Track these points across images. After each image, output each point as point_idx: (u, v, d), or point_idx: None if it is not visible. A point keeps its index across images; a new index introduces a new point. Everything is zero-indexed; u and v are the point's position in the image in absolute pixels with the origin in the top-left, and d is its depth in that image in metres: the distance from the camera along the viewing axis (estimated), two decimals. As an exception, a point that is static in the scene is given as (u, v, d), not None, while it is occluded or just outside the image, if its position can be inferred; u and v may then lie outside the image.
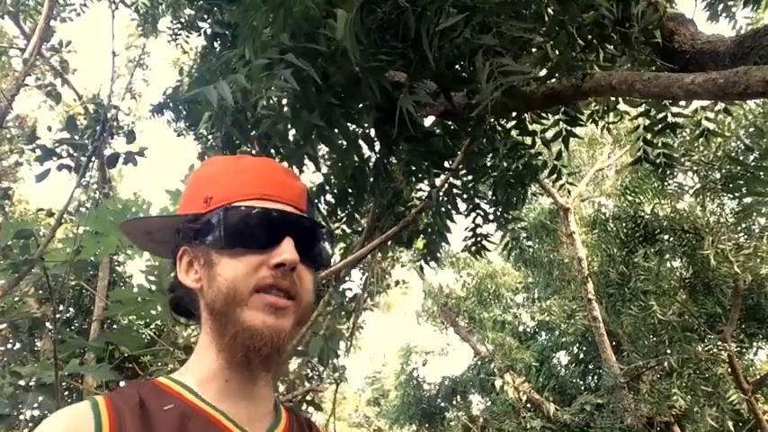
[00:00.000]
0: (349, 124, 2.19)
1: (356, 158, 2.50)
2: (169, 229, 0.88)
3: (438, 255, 3.35)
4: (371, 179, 2.60)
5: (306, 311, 0.83)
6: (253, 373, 0.80)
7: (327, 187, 2.90)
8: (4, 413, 2.68)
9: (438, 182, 3.08)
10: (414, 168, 2.74)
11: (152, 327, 6.10)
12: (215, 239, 0.81)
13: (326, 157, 3.23)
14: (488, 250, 3.37)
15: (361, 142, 2.42)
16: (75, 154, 3.93)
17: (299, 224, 0.83)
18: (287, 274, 0.79)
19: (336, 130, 2.13)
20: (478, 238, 3.26)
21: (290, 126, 2.24)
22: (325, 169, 2.87)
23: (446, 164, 2.82)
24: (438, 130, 2.80)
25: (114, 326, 6.78)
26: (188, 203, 0.87)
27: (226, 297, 0.79)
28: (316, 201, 0.92)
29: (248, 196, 0.83)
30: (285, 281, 0.79)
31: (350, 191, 2.82)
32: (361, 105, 2.20)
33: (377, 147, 2.48)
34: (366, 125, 2.42)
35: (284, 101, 2.25)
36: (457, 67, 2.35)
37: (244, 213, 0.81)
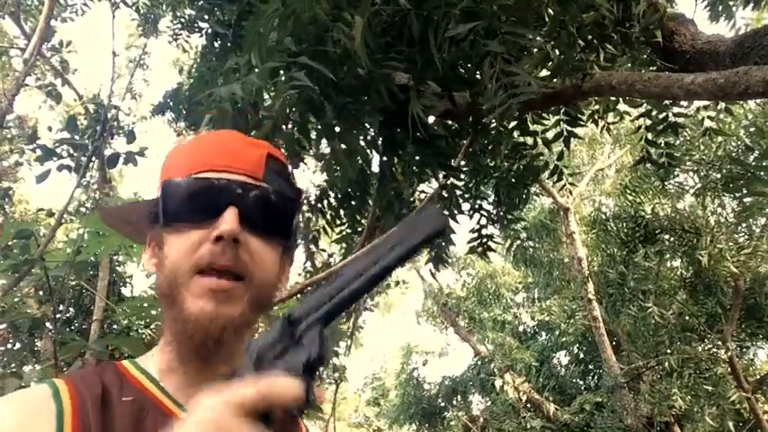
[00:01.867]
0: (353, 130, 2.20)
1: (360, 161, 2.51)
2: (143, 215, 0.81)
3: (445, 257, 3.35)
4: (375, 182, 2.60)
5: (263, 291, 0.74)
6: (208, 367, 0.73)
7: (330, 192, 2.90)
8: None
9: (441, 183, 3.09)
10: (416, 170, 2.75)
11: (152, 327, 6.10)
12: (161, 218, 0.74)
13: (329, 158, 3.23)
14: (494, 251, 3.37)
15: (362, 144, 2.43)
16: (75, 154, 3.92)
17: (245, 192, 0.72)
18: (228, 248, 0.69)
19: (349, 130, 2.14)
20: (483, 239, 3.26)
21: (292, 127, 2.24)
22: (326, 174, 2.88)
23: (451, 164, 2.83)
24: (441, 130, 2.80)
25: (114, 326, 6.78)
26: (160, 183, 0.81)
27: (168, 280, 0.72)
28: (289, 168, 0.79)
29: (196, 169, 0.74)
30: (226, 256, 0.69)
31: (353, 194, 2.82)
32: (368, 109, 2.21)
33: (381, 150, 2.49)
34: (371, 129, 2.42)
35: (287, 101, 2.25)
36: (461, 68, 2.35)
37: (182, 185, 0.73)
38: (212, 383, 0.70)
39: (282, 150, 2.44)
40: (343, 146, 2.18)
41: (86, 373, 0.74)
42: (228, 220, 0.69)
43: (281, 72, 1.93)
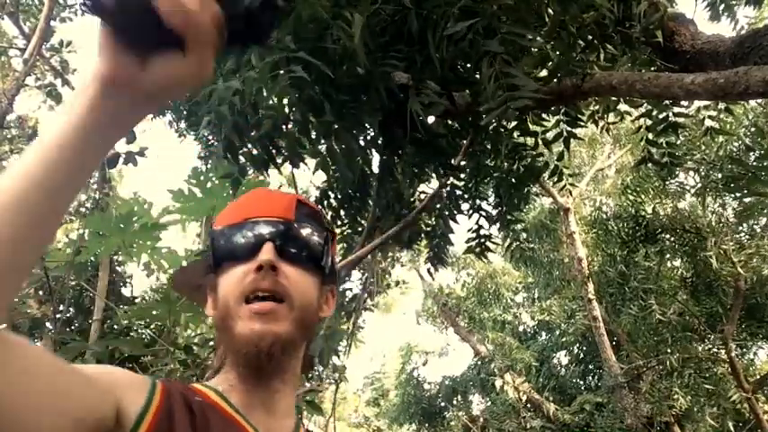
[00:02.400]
0: (354, 131, 2.20)
1: (360, 162, 2.50)
2: (202, 274, 0.94)
3: (444, 257, 3.35)
4: (375, 182, 2.60)
5: (305, 312, 0.84)
6: (263, 383, 0.83)
7: (330, 193, 2.90)
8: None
9: (442, 183, 3.08)
10: (416, 170, 2.75)
11: (152, 327, 6.10)
12: (212, 265, 0.88)
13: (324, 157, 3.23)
14: (492, 251, 3.37)
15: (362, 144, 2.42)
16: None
17: (278, 229, 0.85)
18: (267, 275, 0.81)
19: (348, 130, 2.13)
20: (482, 239, 3.26)
21: (293, 126, 2.24)
22: (326, 175, 2.88)
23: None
24: (441, 130, 2.80)
25: (114, 326, 6.77)
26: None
27: (222, 313, 0.84)
28: (317, 205, 0.92)
29: (234, 221, 0.88)
30: (266, 281, 0.81)
31: (354, 194, 2.82)
32: (367, 108, 2.20)
33: (381, 150, 2.48)
34: (371, 129, 2.42)
35: (286, 101, 2.24)
36: (460, 68, 2.35)
37: (224, 232, 0.87)
38: (272, 406, 0.84)
39: (283, 152, 2.44)
40: (342, 145, 2.18)
41: (167, 380, 0.84)
42: (266, 251, 0.82)
43: (281, 70, 1.92)
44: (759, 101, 5.63)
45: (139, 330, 6.47)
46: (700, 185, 6.98)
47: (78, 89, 0.58)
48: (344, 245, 3.60)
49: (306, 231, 0.88)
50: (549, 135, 3.02)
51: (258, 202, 0.91)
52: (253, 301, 0.81)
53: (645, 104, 3.01)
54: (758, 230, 7.37)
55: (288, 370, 0.85)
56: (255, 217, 0.87)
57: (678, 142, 6.01)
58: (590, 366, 10.99)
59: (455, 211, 3.24)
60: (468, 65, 2.32)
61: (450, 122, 2.88)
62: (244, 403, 0.83)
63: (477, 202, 3.27)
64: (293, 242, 0.86)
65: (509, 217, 3.30)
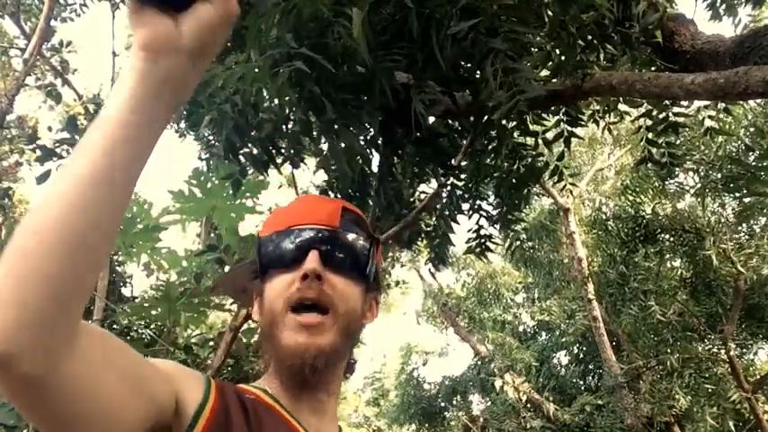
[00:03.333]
0: (352, 129, 2.19)
1: (360, 161, 2.50)
2: (249, 278, 0.96)
3: (444, 257, 3.35)
4: (375, 182, 2.60)
5: (349, 320, 0.85)
6: (307, 392, 0.84)
7: (330, 193, 2.90)
8: (9, 424, 2.68)
9: (442, 183, 3.08)
10: (416, 170, 2.75)
11: (152, 327, 6.10)
12: (259, 272, 0.90)
13: (325, 156, 3.23)
14: (492, 251, 3.37)
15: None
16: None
17: (323, 237, 0.86)
18: (313, 284, 0.82)
19: (349, 129, 2.13)
20: (482, 240, 3.26)
21: (293, 126, 2.24)
22: (323, 176, 2.88)
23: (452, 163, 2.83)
24: (442, 129, 2.80)
25: (114, 326, 6.77)
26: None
27: (268, 319, 0.85)
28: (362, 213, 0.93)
29: (281, 228, 0.90)
30: (311, 290, 0.82)
31: (354, 194, 2.82)
32: (368, 107, 2.21)
33: (381, 150, 2.48)
34: (371, 129, 2.42)
35: (286, 101, 2.24)
36: (461, 67, 2.35)
37: (271, 239, 0.89)
38: (320, 409, 0.85)
39: (284, 152, 2.44)
40: (342, 144, 2.18)
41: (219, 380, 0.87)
42: (311, 260, 0.83)
43: (281, 68, 1.92)
44: (759, 101, 5.63)
45: (139, 330, 6.46)
46: (699, 186, 6.98)
47: (124, 70, 0.60)
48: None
49: (351, 238, 0.89)
50: (550, 135, 3.02)
51: (304, 209, 0.92)
52: (299, 311, 0.82)
53: (645, 104, 3.01)
54: (758, 230, 7.37)
55: (332, 381, 0.87)
56: (301, 224, 0.88)
57: (678, 142, 6.01)
58: (590, 366, 10.99)
59: (455, 211, 3.23)
60: (470, 64, 2.32)
61: (450, 122, 2.88)
62: (293, 406, 0.84)
63: (478, 202, 3.27)
64: (338, 250, 0.87)
65: (509, 217, 3.30)
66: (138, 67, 0.58)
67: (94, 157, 0.56)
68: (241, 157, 2.43)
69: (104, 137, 0.56)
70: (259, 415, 0.78)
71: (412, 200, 3.31)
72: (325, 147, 2.36)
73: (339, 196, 2.90)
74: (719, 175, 6.48)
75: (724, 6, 3.16)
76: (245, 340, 3.62)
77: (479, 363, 11.93)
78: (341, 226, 0.89)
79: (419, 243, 3.76)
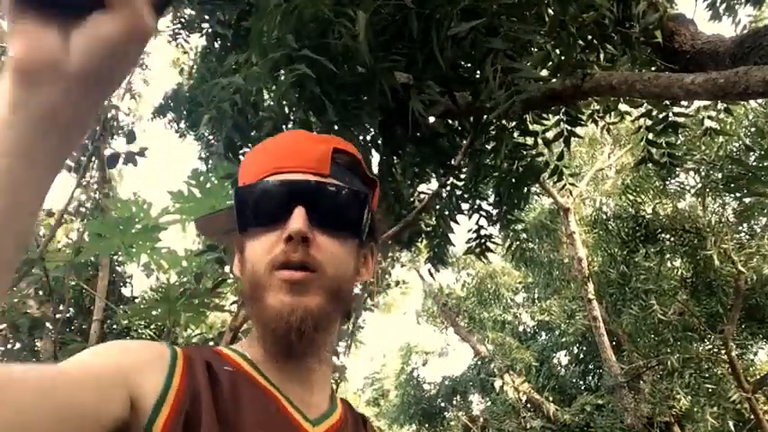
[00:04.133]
0: (352, 129, 2.20)
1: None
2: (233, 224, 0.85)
3: (444, 257, 3.35)
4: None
5: (336, 283, 0.76)
6: (294, 361, 0.76)
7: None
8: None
9: (442, 183, 3.08)
10: (416, 170, 2.75)
11: (152, 327, 6.11)
12: (239, 225, 0.79)
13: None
14: (492, 251, 3.37)
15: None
16: (75, 154, 3.92)
17: (310, 190, 0.76)
18: (298, 246, 0.73)
19: (349, 129, 2.13)
20: (482, 240, 3.26)
21: (293, 126, 2.24)
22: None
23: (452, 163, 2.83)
24: (441, 129, 2.80)
25: (114, 326, 6.78)
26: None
27: (250, 281, 0.77)
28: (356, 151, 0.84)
29: (262, 174, 0.79)
30: (298, 254, 0.73)
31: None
32: (368, 108, 2.21)
33: (381, 150, 2.48)
34: (371, 129, 2.42)
35: (286, 101, 2.24)
36: (461, 67, 2.35)
37: (251, 191, 0.78)
38: (307, 377, 0.77)
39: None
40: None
41: (191, 347, 0.78)
42: (296, 219, 0.73)
43: (282, 69, 1.93)
44: (759, 101, 5.63)
45: (139, 330, 6.47)
46: (700, 185, 6.98)
47: None
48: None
49: (343, 189, 0.78)
50: (549, 135, 3.02)
51: (289, 149, 0.80)
52: (283, 268, 0.74)
53: (645, 104, 3.01)
54: (758, 230, 7.37)
55: (321, 347, 0.78)
56: (285, 169, 0.77)
57: (678, 142, 6.02)
58: (590, 366, 10.99)
59: (455, 211, 3.24)
60: (470, 64, 2.32)
61: (450, 122, 2.88)
62: (276, 376, 0.76)
63: (478, 202, 3.27)
64: (328, 204, 0.76)
65: (509, 217, 3.30)
66: (10, 96, 0.43)
67: None
68: (241, 157, 2.43)
69: None
70: (237, 389, 0.71)
71: (412, 200, 3.31)
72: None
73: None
74: (720, 175, 6.48)
75: (724, 6, 3.16)
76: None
77: (479, 363, 11.93)
78: (331, 173, 0.78)
79: (419, 243, 3.76)
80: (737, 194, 6.50)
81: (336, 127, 2.13)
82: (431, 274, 3.73)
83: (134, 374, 0.64)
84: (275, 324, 0.73)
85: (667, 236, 7.62)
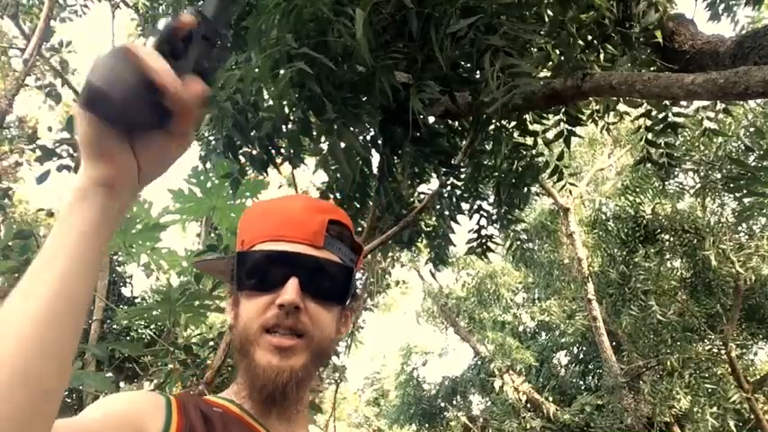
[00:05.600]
0: (352, 128, 2.20)
1: (361, 162, 2.50)
2: (228, 270, 0.94)
3: (445, 258, 3.35)
4: (375, 182, 2.60)
5: (322, 346, 0.85)
6: (276, 407, 0.85)
7: (330, 194, 2.90)
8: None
9: (442, 182, 3.09)
10: (416, 170, 2.75)
11: (152, 327, 6.11)
12: (237, 282, 0.88)
13: (324, 155, 3.23)
14: (493, 251, 3.37)
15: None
16: (75, 154, 3.92)
17: (305, 263, 0.84)
18: (291, 314, 0.82)
19: (349, 128, 2.13)
20: (483, 240, 3.26)
21: (293, 125, 2.24)
22: (327, 175, 2.88)
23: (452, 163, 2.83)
24: (441, 129, 2.80)
25: (114, 326, 6.78)
26: (237, 244, 0.95)
27: (241, 337, 0.85)
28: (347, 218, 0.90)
29: (264, 239, 0.87)
30: (288, 321, 0.82)
31: (354, 194, 2.82)
32: (368, 107, 2.21)
33: (381, 150, 2.48)
34: (370, 128, 2.42)
35: (286, 101, 2.24)
36: (461, 67, 2.35)
37: (252, 257, 0.87)
38: (287, 416, 0.86)
39: (284, 152, 2.44)
40: (342, 144, 2.18)
41: (181, 395, 0.87)
42: (290, 291, 0.82)
43: (281, 68, 1.92)
44: (759, 101, 5.63)
45: (139, 330, 6.47)
46: (699, 186, 6.98)
47: (74, 199, 0.57)
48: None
49: (334, 263, 0.87)
50: (549, 134, 3.02)
51: (288, 220, 0.88)
52: (273, 333, 0.82)
53: (644, 104, 3.01)
54: (757, 231, 7.37)
55: (301, 399, 0.88)
56: (285, 239, 0.86)
57: (678, 143, 6.02)
58: (590, 366, 10.99)
59: (455, 212, 3.24)
60: (469, 64, 2.32)
61: (450, 122, 2.88)
62: (261, 416, 0.85)
63: (478, 202, 3.27)
64: (320, 277, 0.85)
65: (509, 217, 3.30)
66: (97, 203, 0.57)
67: (50, 296, 0.53)
68: (241, 157, 2.43)
69: (60, 277, 0.54)
70: (228, 427, 0.79)
71: (412, 200, 3.32)
72: (325, 146, 2.36)
73: (339, 197, 2.90)
74: (719, 176, 6.48)
75: (723, 6, 3.16)
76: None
77: (479, 363, 11.93)
78: (325, 244, 0.87)
79: (419, 243, 3.76)
80: (737, 195, 6.50)
81: (336, 126, 2.13)
82: (431, 274, 3.73)
83: (141, 418, 0.73)
84: (263, 382, 0.82)
85: (667, 236, 7.63)
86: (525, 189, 3.14)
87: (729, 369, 7.43)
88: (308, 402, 0.92)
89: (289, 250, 0.85)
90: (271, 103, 2.35)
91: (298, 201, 0.94)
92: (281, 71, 1.91)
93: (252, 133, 2.29)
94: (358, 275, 0.99)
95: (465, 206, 3.28)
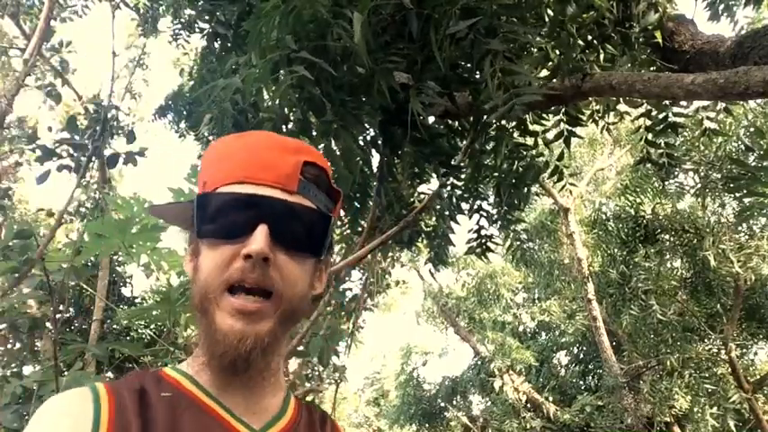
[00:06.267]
0: (351, 130, 2.20)
1: (361, 162, 2.50)
2: (188, 216, 0.82)
3: (445, 258, 3.35)
4: (375, 182, 2.60)
5: (293, 305, 0.75)
6: (237, 376, 0.75)
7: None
8: (12, 427, 2.68)
9: (442, 183, 3.08)
10: (416, 170, 2.74)
11: (152, 327, 6.11)
12: (197, 229, 0.76)
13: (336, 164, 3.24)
14: (493, 251, 3.37)
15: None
16: (75, 154, 3.93)
17: (276, 209, 0.73)
18: (258, 266, 0.71)
19: (347, 129, 2.13)
20: (483, 240, 3.26)
21: (293, 127, 2.24)
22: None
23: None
24: (441, 129, 2.80)
25: (114, 326, 6.78)
26: (198, 185, 0.83)
27: (200, 293, 0.74)
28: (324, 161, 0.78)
29: (229, 180, 0.76)
30: (254, 273, 0.71)
31: (354, 194, 2.82)
32: (367, 108, 2.21)
33: (381, 150, 2.48)
34: (370, 129, 2.42)
35: (286, 101, 2.25)
36: (460, 68, 2.35)
37: (215, 200, 0.75)
38: (250, 384, 0.76)
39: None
40: (340, 144, 2.18)
41: (127, 376, 0.78)
42: (258, 239, 0.71)
43: (281, 70, 1.93)
44: (759, 101, 5.63)
45: (139, 330, 6.47)
46: (699, 186, 6.98)
47: None
48: (344, 245, 3.60)
49: (308, 210, 0.76)
50: (549, 135, 3.02)
51: (256, 157, 0.77)
52: (237, 293, 0.72)
53: (644, 104, 3.01)
54: (757, 231, 7.37)
55: (268, 366, 0.77)
56: (253, 180, 0.75)
57: (678, 143, 6.02)
58: (590, 366, 11.00)
59: (455, 212, 3.24)
60: (469, 65, 2.32)
61: (450, 122, 2.88)
62: (219, 383, 0.75)
63: (478, 202, 3.27)
64: (293, 224, 0.74)
65: (509, 217, 3.30)
66: None
67: None
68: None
69: None
70: (176, 413, 0.71)
71: (412, 200, 3.32)
72: (322, 147, 2.36)
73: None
74: (719, 176, 6.48)
75: (723, 6, 3.16)
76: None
77: (479, 363, 11.93)
78: (299, 188, 0.76)
79: (419, 243, 3.76)
80: (737, 195, 6.50)
81: (335, 126, 2.13)
82: (431, 274, 3.73)
83: None
84: (223, 349, 0.71)
85: (667, 236, 7.63)
86: (525, 189, 3.14)
87: (729, 369, 7.43)
88: (279, 369, 0.81)
89: (258, 193, 0.74)
90: (271, 103, 2.36)
91: (269, 138, 0.81)
92: (282, 74, 1.91)
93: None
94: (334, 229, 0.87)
95: (465, 206, 3.27)
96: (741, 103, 5.50)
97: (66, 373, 3.04)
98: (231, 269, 0.72)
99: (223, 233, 0.74)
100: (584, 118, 3.09)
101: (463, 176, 3.17)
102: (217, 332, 0.72)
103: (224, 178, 0.76)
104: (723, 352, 7.37)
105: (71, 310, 7.01)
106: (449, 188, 3.16)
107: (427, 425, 12.73)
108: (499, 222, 3.33)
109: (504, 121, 2.77)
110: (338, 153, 2.21)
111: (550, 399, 10.28)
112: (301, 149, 0.80)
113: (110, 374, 4.75)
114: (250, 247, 0.71)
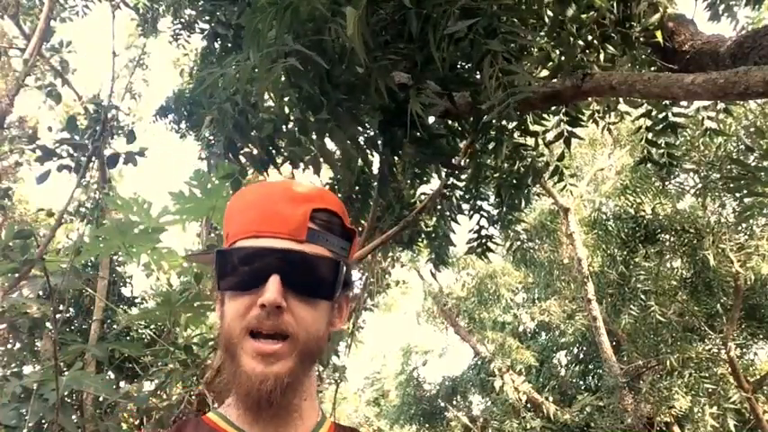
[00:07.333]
0: (347, 130, 2.19)
1: (361, 163, 2.50)
2: None
3: (445, 258, 3.35)
4: (375, 183, 2.60)
5: (309, 347, 0.81)
6: (264, 411, 0.81)
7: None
8: (11, 424, 2.68)
9: (442, 182, 3.08)
10: (417, 170, 2.75)
11: (152, 327, 6.11)
12: (218, 282, 0.84)
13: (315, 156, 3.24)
14: (493, 251, 3.37)
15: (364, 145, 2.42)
16: (75, 154, 3.92)
17: (287, 259, 0.80)
18: (272, 314, 0.78)
19: (341, 129, 2.13)
20: (483, 240, 3.26)
21: (292, 126, 2.24)
22: (328, 177, 2.88)
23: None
24: (442, 129, 2.80)
25: (114, 326, 6.78)
26: (224, 236, 0.91)
27: (226, 338, 0.82)
28: (337, 201, 0.83)
29: (244, 234, 0.83)
30: (269, 320, 0.78)
31: (354, 195, 2.82)
32: (367, 108, 2.20)
33: (381, 150, 2.48)
34: (370, 129, 2.41)
35: (286, 100, 2.24)
36: (460, 68, 2.35)
37: (231, 255, 0.83)
38: (280, 414, 0.83)
39: (284, 153, 2.44)
40: (334, 145, 2.18)
41: (176, 426, 0.88)
42: (271, 289, 0.78)
43: (276, 63, 1.92)
44: (759, 101, 5.63)
45: (139, 330, 6.47)
46: (699, 186, 6.98)
47: None
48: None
49: (318, 257, 0.82)
50: (550, 135, 3.03)
51: (268, 212, 0.83)
52: (257, 337, 0.79)
53: (645, 104, 3.01)
54: (757, 231, 7.37)
55: (296, 395, 0.84)
56: (264, 234, 0.81)
57: (677, 143, 6.02)
58: (590, 366, 11.00)
59: (456, 212, 3.24)
60: (469, 65, 2.32)
61: (450, 122, 2.88)
62: (248, 422, 0.83)
63: (478, 202, 3.27)
64: (302, 273, 0.80)
65: (509, 217, 3.31)
66: None
67: None
68: (241, 157, 2.43)
69: None
70: None
71: (412, 200, 3.32)
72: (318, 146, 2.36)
73: (340, 197, 2.89)
74: (719, 176, 6.48)
75: (723, 6, 3.16)
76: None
77: (479, 363, 11.93)
78: (309, 237, 0.82)
79: (419, 243, 3.76)
80: (737, 195, 6.50)
81: (330, 126, 2.12)
82: (431, 274, 3.73)
83: None
84: (247, 389, 0.79)
85: (667, 236, 7.63)
86: (526, 190, 3.14)
87: (729, 369, 7.43)
88: (310, 399, 0.87)
89: (268, 246, 0.80)
90: (271, 103, 2.36)
91: (284, 190, 0.86)
92: (275, 65, 1.90)
93: (252, 133, 2.29)
94: (353, 267, 0.94)
95: (465, 206, 3.28)
96: (741, 103, 5.50)
97: (66, 372, 3.04)
98: (249, 317, 0.79)
99: (240, 285, 0.81)
100: (585, 118, 3.09)
101: (464, 177, 3.17)
102: (241, 374, 0.79)
103: (241, 232, 0.84)
104: (723, 352, 7.37)
105: (71, 310, 7.00)
106: (449, 188, 3.16)
107: (427, 425, 12.73)
108: (499, 222, 3.34)
109: (504, 122, 2.77)
110: (338, 153, 2.21)
111: (550, 399, 10.28)
112: (312, 198, 0.86)
113: (110, 374, 4.74)
114: (264, 297, 0.78)
